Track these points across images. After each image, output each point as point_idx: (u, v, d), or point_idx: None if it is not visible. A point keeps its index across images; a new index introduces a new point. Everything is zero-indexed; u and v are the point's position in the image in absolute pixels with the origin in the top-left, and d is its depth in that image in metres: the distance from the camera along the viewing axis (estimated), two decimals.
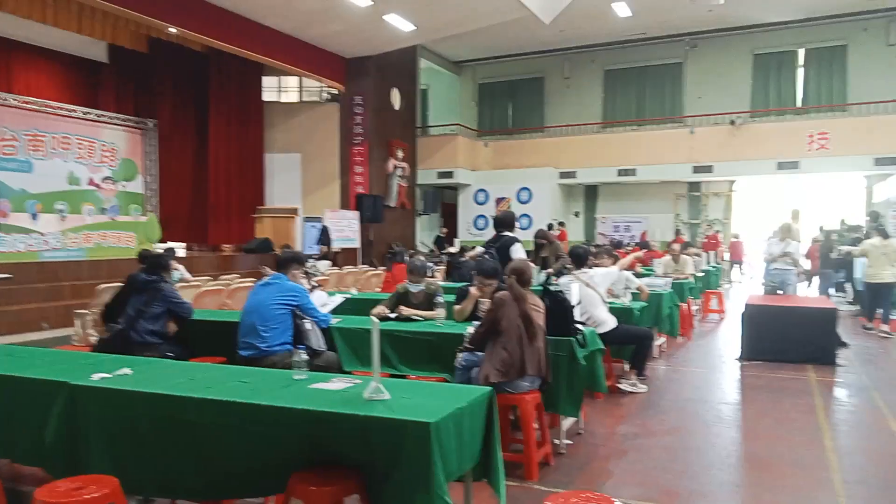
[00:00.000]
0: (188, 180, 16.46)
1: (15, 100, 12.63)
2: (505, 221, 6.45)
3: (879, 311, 9.47)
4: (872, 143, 15.36)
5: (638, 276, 8.23)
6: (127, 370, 3.25)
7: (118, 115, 14.85)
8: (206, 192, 16.06)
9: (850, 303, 12.09)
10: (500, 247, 6.08)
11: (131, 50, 14.53)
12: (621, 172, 18.02)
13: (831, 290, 12.96)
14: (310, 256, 10.33)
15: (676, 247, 10.30)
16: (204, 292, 7.76)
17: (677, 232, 17.62)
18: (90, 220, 12.97)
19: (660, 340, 7.80)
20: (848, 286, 12.59)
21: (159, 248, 10.42)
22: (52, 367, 3.40)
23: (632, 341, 6.05)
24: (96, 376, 3.11)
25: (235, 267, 12.59)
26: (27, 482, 3.83)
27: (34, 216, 11.89)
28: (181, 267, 8.76)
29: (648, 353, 6.28)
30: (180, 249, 12.39)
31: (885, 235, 9.18)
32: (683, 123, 18.08)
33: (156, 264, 5.23)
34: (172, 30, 12.48)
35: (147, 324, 4.91)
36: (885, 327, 9.37)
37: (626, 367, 6.21)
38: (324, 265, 11.46)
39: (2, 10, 11.17)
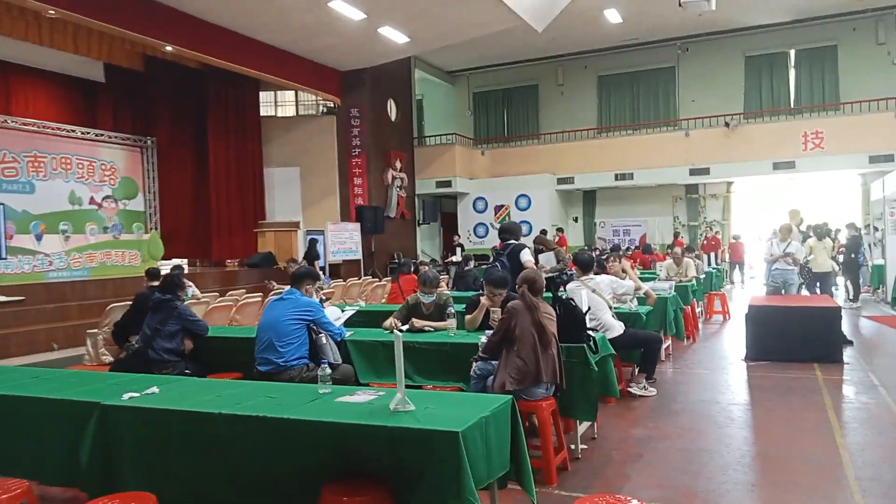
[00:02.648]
0: (189, 196, 16.53)
1: (14, 122, 12.68)
2: (510, 230, 6.53)
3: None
4: (866, 141, 15.54)
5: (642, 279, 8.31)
6: (154, 389, 3.32)
7: (117, 134, 14.91)
8: (207, 207, 16.12)
9: (851, 300, 12.16)
10: (509, 253, 6.15)
11: (127, 68, 14.65)
12: (618, 177, 18.15)
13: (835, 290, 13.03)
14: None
15: (678, 250, 10.38)
16: (213, 308, 7.81)
17: (676, 235, 17.73)
18: (93, 239, 13.05)
19: (666, 343, 7.87)
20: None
21: (164, 264, 10.45)
22: (80, 388, 3.47)
23: (640, 345, 6.11)
24: (126, 396, 3.17)
25: (240, 282, 12.64)
26: (56, 502, 3.88)
27: (38, 237, 11.97)
28: (192, 284, 8.82)
29: (657, 357, 6.34)
30: (184, 266, 12.42)
31: (820, 237, 10.75)
32: (678, 127, 18.22)
33: (170, 283, 5.29)
34: (168, 48, 12.56)
35: (164, 342, 4.97)
36: None
37: (636, 371, 6.27)
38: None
39: None
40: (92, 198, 13.75)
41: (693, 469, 4.24)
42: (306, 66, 15.30)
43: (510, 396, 3.12)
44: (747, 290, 15.63)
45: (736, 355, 7.83)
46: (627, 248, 15.98)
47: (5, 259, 9.08)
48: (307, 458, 2.77)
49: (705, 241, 17.68)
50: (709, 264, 12.38)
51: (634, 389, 6.08)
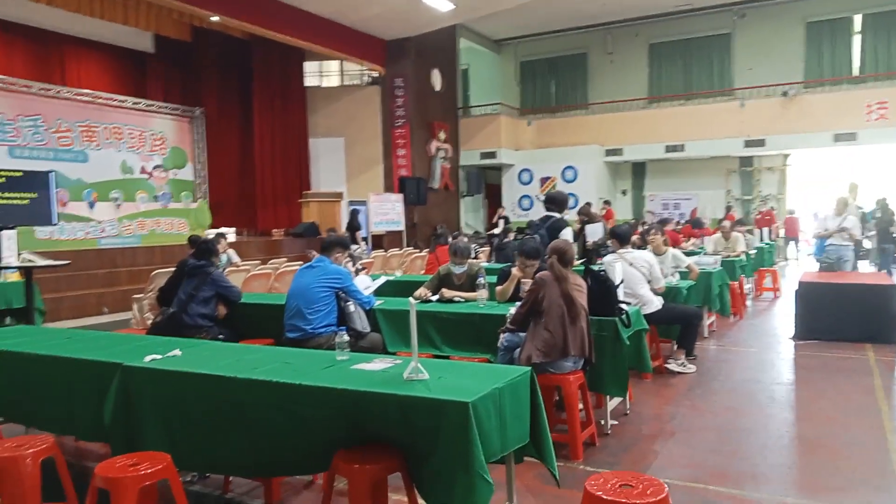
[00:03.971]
0: (235, 167, 16.78)
1: (68, 92, 13.00)
2: (556, 201, 6.20)
3: None
4: None
5: (687, 254, 8.05)
6: (177, 352, 3.36)
7: (166, 104, 15.17)
8: (253, 178, 16.35)
9: None
10: (548, 228, 5.93)
11: (176, 39, 14.82)
12: (669, 148, 17.60)
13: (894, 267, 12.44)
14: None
15: (727, 224, 10.04)
16: (252, 276, 7.92)
17: (728, 209, 17.14)
18: (144, 207, 13.40)
19: (710, 320, 7.64)
20: None
21: (211, 233, 10.66)
22: (108, 349, 3.53)
23: (679, 321, 5.93)
24: (148, 358, 3.21)
25: (283, 251, 12.81)
26: (89, 458, 4.01)
27: (91, 205, 12.35)
28: (231, 251, 8.95)
29: (697, 333, 6.14)
30: (230, 234, 12.63)
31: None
32: (733, 96, 17.52)
33: (204, 250, 5.36)
34: (215, 18, 12.66)
35: (198, 307, 5.04)
36: None
37: (675, 347, 6.10)
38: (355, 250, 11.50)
39: (52, 4, 11.50)
40: (143, 167, 14.07)
41: (727, 449, 4.10)
42: (350, 35, 15.22)
43: (528, 368, 3.03)
44: (802, 266, 15.07)
45: (784, 334, 7.55)
46: (677, 223, 15.49)
47: (56, 225, 9.37)
48: (320, 425, 2.75)
49: (759, 216, 17.06)
50: (761, 240, 11.95)
51: (672, 366, 5.92)
